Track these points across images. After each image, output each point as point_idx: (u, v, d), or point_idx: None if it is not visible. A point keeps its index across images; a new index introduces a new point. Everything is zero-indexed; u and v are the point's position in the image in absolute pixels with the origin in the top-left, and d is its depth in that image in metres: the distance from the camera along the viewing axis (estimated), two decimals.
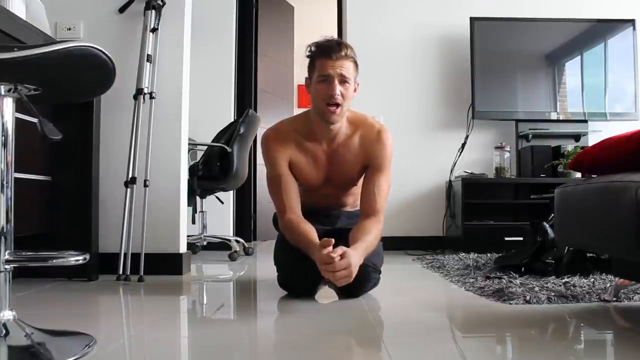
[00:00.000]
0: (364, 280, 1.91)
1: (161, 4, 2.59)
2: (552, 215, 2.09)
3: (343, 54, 1.92)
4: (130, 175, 2.44)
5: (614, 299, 1.85)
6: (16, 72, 1.18)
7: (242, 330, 1.59)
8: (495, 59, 3.92)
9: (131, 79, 2.51)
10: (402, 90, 4.08)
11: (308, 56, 1.99)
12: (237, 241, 3.53)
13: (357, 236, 1.90)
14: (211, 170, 3.44)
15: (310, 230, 1.92)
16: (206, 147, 3.57)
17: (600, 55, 4.02)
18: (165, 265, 2.50)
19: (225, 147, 3.42)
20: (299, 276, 1.96)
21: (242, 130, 3.47)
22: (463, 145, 3.90)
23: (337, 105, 1.93)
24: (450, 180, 3.91)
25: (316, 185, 2.11)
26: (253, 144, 4.20)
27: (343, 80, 1.92)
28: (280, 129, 2.08)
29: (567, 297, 1.87)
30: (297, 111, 6.50)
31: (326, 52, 1.92)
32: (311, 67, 1.99)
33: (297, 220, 1.98)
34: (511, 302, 1.83)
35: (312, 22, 6.44)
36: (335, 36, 4.38)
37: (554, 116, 3.94)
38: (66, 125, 1.77)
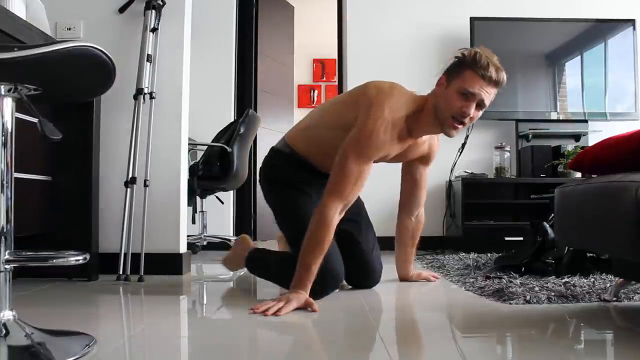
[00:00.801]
0: (377, 278, 2.20)
1: (161, 4, 2.59)
2: (552, 215, 2.09)
3: (497, 81, 1.80)
4: (130, 175, 2.44)
5: (614, 299, 1.85)
6: (16, 72, 1.18)
7: (242, 330, 1.59)
8: None
9: (131, 79, 2.51)
10: None
11: (460, 58, 1.85)
12: None
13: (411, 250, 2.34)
14: (211, 170, 3.45)
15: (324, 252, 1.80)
16: (206, 147, 3.58)
17: (600, 55, 4.02)
18: (165, 265, 2.50)
19: (225, 147, 3.42)
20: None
21: (242, 130, 3.48)
22: (463, 145, 3.89)
23: (463, 124, 1.84)
24: (450, 180, 3.91)
25: None
26: (253, 144, 4.20)
27: (480, 106, 1.82)
28: (396, 117, 1.86)
29: (567, 297, 1.87)
30: (297, 111, 6.45)
31: (483, 69, 1.78)
32: (457, 71, 1.84)
33: (335, 225, 1.81)
34: (511, 302, 1.83)
35: (312, 22, 6.45)
36: (336, 36, 4.44)
37: (554, 116, 3.94)
38: (66, 125, 1.78)
